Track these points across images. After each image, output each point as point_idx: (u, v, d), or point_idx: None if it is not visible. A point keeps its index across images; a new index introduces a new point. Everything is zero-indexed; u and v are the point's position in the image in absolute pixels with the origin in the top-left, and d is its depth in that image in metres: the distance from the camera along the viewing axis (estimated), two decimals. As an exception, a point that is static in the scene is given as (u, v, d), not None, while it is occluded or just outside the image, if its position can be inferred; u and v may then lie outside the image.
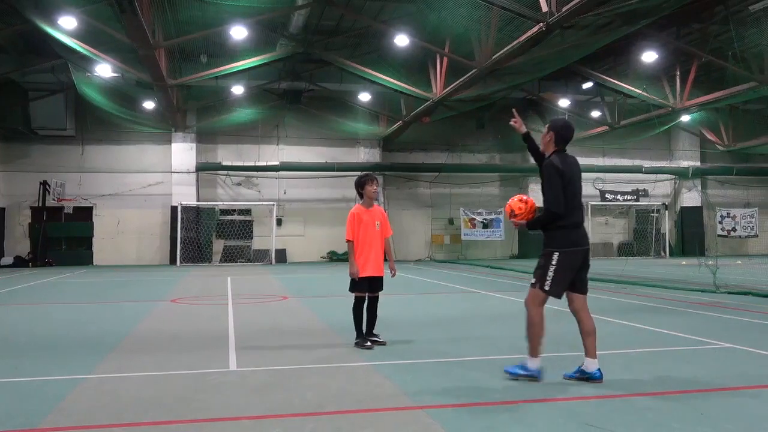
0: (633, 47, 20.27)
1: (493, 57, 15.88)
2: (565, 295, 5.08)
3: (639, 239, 29.43)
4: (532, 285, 5.03)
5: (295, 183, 26.90)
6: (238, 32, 17.61)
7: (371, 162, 26.62)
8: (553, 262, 4.88)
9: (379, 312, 6.75)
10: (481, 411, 4.20)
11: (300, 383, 4.97)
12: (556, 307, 9.93)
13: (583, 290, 5.06)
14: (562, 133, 5.05)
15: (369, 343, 6.48)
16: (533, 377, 4.94)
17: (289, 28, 18.70)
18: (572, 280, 4.97)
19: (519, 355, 6.08)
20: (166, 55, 18.24)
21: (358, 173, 23.82)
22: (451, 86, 18.81)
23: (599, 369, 4.94)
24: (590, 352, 4.98)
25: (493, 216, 27.76)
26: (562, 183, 4.84)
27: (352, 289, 6.62)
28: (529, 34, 13.91)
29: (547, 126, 5.16)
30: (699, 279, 14.10)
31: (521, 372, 5.00)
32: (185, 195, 25.25)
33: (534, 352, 4.97)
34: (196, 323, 8.47)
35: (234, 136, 26.30)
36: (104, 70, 20.01)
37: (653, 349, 6.39)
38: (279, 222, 26.26)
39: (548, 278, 4.89)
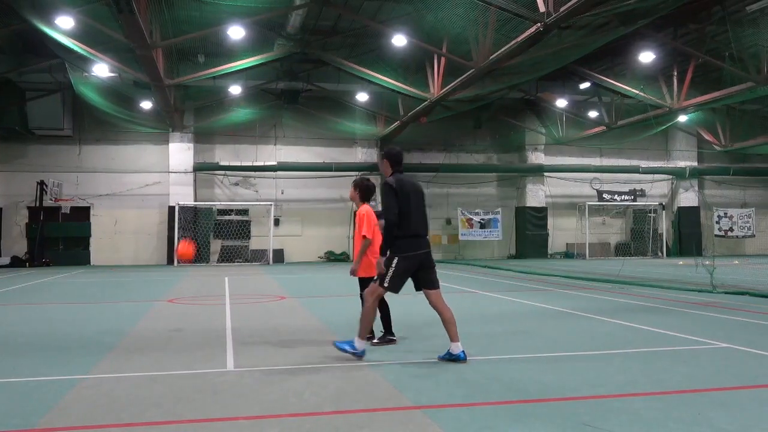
0: (630, 47, 20.30)
1: (491, 57, 15.88)
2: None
3: (636, 239, 29.47)
4: (374, 279, 5.90)
5: (292, 183, 26.89)
6: (236, 32, 17.59)
7: (369, 162, 26.62)
8: (393, 266, 5.74)
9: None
10: (479, 411, 4.20)
11: (297, 383, 4.97)
12: (556, 308, 9.96)
13: (433, 287, 5.90)
14: (394, 158, 6.08)
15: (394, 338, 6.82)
16: (358, 356, 5.76)
17: (287, 28, 18.70)
18: (421, 280, 5.90)
19: (518, 355, 6.10)
20: (163, 55, 18.20)
21: (356, 173, 23.95)
22: (449, 86, 18.81)
23: (463, 351, 5.73)
24: (453, 338, 5.77)
25: (490, 216, 27.79)
26: (395, 198, 5.74)
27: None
28: (526, 34, 13.92)
29: (381, 155, 6.22)
30: (696, 279, 14.12)
31: (349, 348, 5.77)
32: (183, 195, 25.23)
33: (363, 335, 5.81)
34: (194, 323, 8.46)
35: (231, 136, 26.27)
36: (101, 69, 19.96)
37: (650, 349, 6.40)
38: (276, 222, 26.25)
39: (387, 277, 5.74)
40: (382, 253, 5.85)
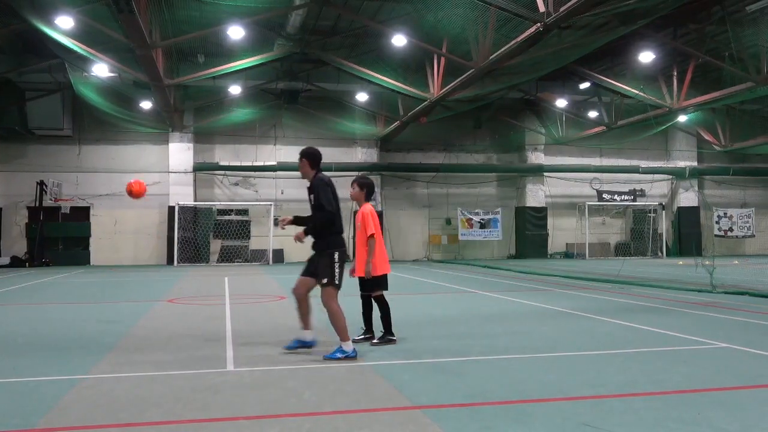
0: (630, 47, 20.30)
1: (491, 57, 15.89)
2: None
3: (636, 239, 29.46)
4: (325, 284, 5.98)
5: (292, 183, 26.85)
6: (236, 32, 17.58)
7: (368, 162, 26.62)
8: (336, 260, 6.01)
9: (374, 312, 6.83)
10: (479, 411, 4.20)
11: (297, 383, 4.97)
12: (556, 308, 9.95)
13: (317, 277, 6.16)
14: (314, 158, 6.25)
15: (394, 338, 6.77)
16: (351, 357, 5.86)
17: (287, 28, 18.70)
18: (311, 268, 6.20)
19: (518, 355, 6.09)
20: (163, 55, 18.21)
21: (356, 173, 23.89)
22: (449, 86, 18.82)
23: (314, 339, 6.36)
24: (307, 326, 6.33)
25: (490, 216, 27.79)
26: (331, 191, 6.07)
27: (386, 286, 6.84)
28: (526, 34, 13.92)
29: (300, 156, 6.28)
30: (696, 279, 14.12)
31: (340, 355, 5.88)
32: (182, 195, 25.22)
33: (345, 337, 5.92)
34: (194, 323, 8.46)
35: (231, 136, 26.27)
36: (101, 69, 19.96)
37: (650, 349, 6.40)
38: (276, 222, 26.22)
39: (336, 275, 5.98)
40: (312, 234, 6.16)
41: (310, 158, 6.21)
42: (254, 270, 21.06)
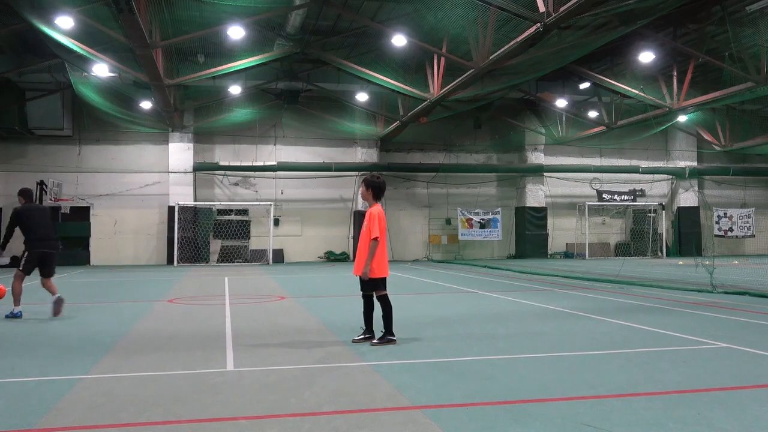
0: (630, 47, 20.31)
1: (491, 57, 15.89)
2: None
3: (636, 239, 29.48)
4: (19, 268, 9.28)
5: (292, 183, 26.89)
6: (236, 32, 17.59)
7: (368, 162, 26.62)
8: (26, 257, 9.32)
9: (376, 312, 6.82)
10: (479, 411, 4.20)
11: (297, 383, 4.97)
12: (556, 308, 9.95)
13: (47, 275, 9.54)
14: (25, 194, 9.66)
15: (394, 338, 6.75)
16: (17, 316, 8.90)
17: (287, 28, 18.70)
18: (42, 269, 9.43)
19: (518, 355, 6.09)
20: (163, 55, 18.21)
21: (356, 173, 23.81)
22: (449, 86, 18.82)
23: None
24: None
25: (490, 216, 27.80)
26: (16, 222, 9.56)
27: (384, 287, 6.78)
28: (526, 34, 13.93)
29: (18, 193, 9.48)
30: (696, 279, 14.12)
31: (9, 315, 8.85)
32: (182, 195, 25.23)
33: (15, 303, 9.09)
34: (194, 323, 8.46)
35: (231, 136, 26.29)
36: (101, 69, 19.96)
37: (650, 349, 6.40)
38: (276, 222, 26.26)
39: (23, 263, 9.28)
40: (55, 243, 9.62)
41: (23, 195, 9.79)
42: (254, 270, 21.06)
